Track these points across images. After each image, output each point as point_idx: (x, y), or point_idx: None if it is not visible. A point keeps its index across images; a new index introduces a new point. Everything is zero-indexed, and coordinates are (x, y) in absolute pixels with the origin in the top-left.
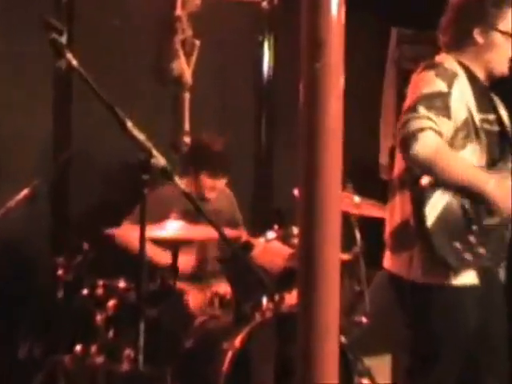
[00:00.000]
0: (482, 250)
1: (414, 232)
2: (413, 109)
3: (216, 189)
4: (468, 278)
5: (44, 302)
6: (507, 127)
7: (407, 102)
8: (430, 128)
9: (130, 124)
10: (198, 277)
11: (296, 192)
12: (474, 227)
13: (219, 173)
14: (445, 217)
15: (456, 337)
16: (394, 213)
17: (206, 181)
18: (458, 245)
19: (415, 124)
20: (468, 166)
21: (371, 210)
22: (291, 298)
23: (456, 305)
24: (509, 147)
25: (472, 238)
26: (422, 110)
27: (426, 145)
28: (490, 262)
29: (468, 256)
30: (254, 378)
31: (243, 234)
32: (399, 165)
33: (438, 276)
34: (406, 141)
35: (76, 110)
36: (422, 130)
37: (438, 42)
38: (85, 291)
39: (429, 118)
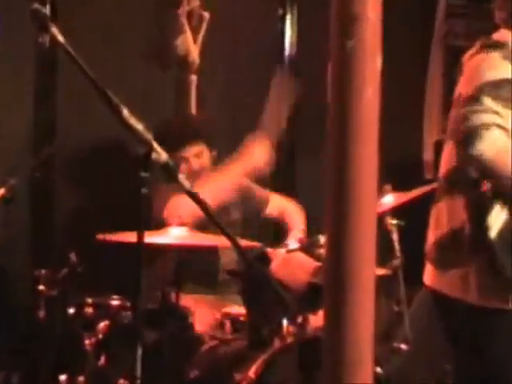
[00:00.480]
0: None
1: (469, 244)
2: (476, 99)
3: (204, 163)
4: None
5: (22, 322)
6: None
7: (466, 89)
8: (498, 125)
9: (126, 112)
10: (207, 287)
11: None
12: None
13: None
14: (507, 230)
15: None
16: (439, 220)
17: (192, 159)
18: None
19: (479, 118)
20: None
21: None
22: (316, 319)
23: None
24: None
25: None
26: (486, 100)
27: (492, 145)
28: None
29: None
30: None
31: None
32: (447, 163)
33: (499, 298)
34: (468, 138)
35: (61, 95)
36: (487, 126)
37: (493, 16)
38: (71, 310)
39: (495, 112)
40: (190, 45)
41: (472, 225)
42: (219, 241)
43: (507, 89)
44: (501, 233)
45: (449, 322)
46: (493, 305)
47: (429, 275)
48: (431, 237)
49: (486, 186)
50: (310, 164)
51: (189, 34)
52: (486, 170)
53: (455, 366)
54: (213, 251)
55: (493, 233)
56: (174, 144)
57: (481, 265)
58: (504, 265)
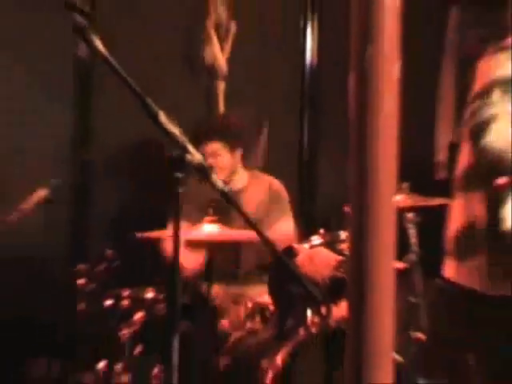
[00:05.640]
0: None
1: (484, 236)
2: (484, 94)
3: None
4: None
5: (63, 314)
6: None
7: (476, 88)
8: (507, 116)
9: (163, 117)
10: (230, 278)
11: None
12: None
13: (232, 143)
14: None
15: None
16: (456, 215)
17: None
18: None
19: (487, 112)
20: None
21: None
22: (339, 311)
23: None
24: None
25: None
26: (495, 95)
27: (501, 135)
28: None
29: None
30: None
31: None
32: (465, 160)
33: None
34: (478, 131)
35: (98, 102)
36: (496, 117)
37: (505, 25)
38: (109, 302)
39: (503, 106)
40: (218, 54)
41: (488, 217)
42: (244, 236)
43: None
44: None
45: (469, 313)
46: (505, 293)
47: (448, 268)
48: (449, 231)
49: (501, 180)
50: (332, 160)
51: (216, 44)
52: (496, 162)
53: (477, 358)
54: (236, 247)
55: (508, 224)
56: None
57: (495, 255)
58: None
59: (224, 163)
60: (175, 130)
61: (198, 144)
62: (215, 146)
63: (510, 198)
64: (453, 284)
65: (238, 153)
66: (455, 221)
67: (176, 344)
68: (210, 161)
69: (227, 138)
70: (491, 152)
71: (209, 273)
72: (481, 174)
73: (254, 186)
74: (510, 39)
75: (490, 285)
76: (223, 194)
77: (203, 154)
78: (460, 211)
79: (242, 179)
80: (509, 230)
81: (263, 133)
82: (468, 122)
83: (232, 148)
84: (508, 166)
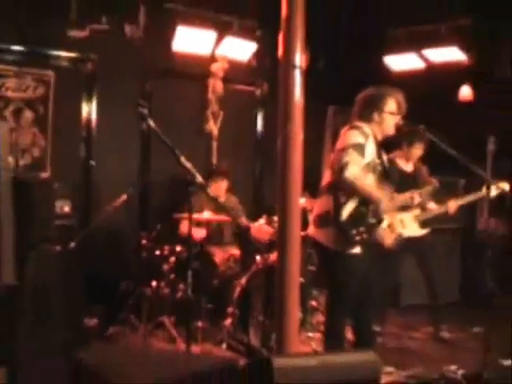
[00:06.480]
0: (365, 236)
1: (332, 219)
2: (346, 151)
3: (223, 189)
4: (356, 249)
5: (134, 258)
6: (386, 166)
7: (339, 146)
8: (354, 162)
9: (183, 158)
10: (220, 242)
11: None
12: (364, 223)
13: (223, 178)
14: (351, 215)
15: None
16: (320, 206)
17: (215, 185)
18: (354, 231)
19: (346, 159)
20: (370, 188)
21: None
22: (273, 257)
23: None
24: (389, 176)
25: (362, 229)
26: (350, 151)
27: (352, 172)
28: (368, 241)
29: (358, 238)
30: (252, 302)
31: (244, 220)
32: (327, 178)
33: (340, 247)
34: (341, 168)
35: (153, 153)
36: (349, 163)
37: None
38: (157, 252)
39: (353, 157)
40: (213, 127)
41: (334, 211)
42: (225, 219)
43: (361, 147)
44: (349, 216)
45: (323, 258)
46: (339, 249)
47: (313, 232)
48: (315, 212)
49: (340, 192)
50: (270, 181)
51: (212, 122)
52: (350, 186)
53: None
54: (221, 225)
55: (343, 216)
56: (208, 177)
57: (338, 229)
58: (348, 231)
59: (224, 190)
60: (189, 165)
61: (210, 178)
62: (221, 180)
63: (346, 203)
64: (317, 241)
65: (229, 184)
66: (319, 209)
67: (190, 273)
68: (215, 189)
69: (226, 176)
70: (347, 181)
71: (208, 239)
72: (334, 187)
73: (229, 200)
74: (356, 122)
75: (336, 244)
76: (214, 199)
77: (212, 184)
78: (323, 204)
79: (227, 198)
80: (344, 218)
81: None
82: (333, 162)
83: (227, 181)
84: (355, 190)
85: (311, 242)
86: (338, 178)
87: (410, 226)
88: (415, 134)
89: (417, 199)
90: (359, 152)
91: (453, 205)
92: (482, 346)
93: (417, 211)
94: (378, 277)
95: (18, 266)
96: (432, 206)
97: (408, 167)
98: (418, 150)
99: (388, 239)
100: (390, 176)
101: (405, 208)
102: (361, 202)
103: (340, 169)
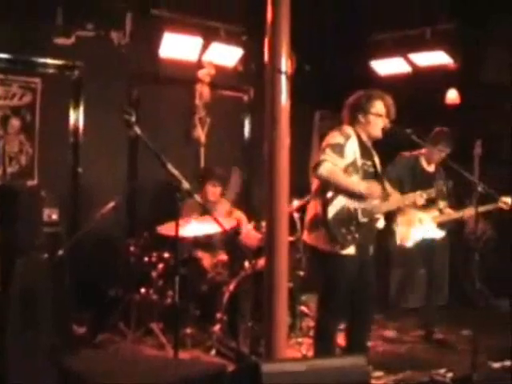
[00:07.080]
0: (356, 235)
1: (321, 221)
2: (323, 150)
3: (216, 194)
4: (349, 250)
5: (123, 265)
6: (378, 168)
7: (322, 146)
8: (329, 160)
9: (169, 165)
10: (208, 248)
11: None
12: (354, 222)
13: (217, 184)
14: (339, 214)
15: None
16: (310, 209)
17: (210, 189)
18: (344, 230)
19: (321, 157)
20: (346, 179)
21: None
22: (261, 262)
23: (340, 266)
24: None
25: (352, 228)
26: (328, 151)
27: (326, 168)
28: (362, 241)
29: (349, 238)
30: (241, 307)
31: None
32: (315, 185)
33: (331, 247)
34: (316, 166)
35: (141, 159)
36: (323, 161)
37: (341, 120)
38: (145, 259)
39: (331, 156)
40: (200, 134)
41: (321, 212)
42: (215, 227)
43: (339, 147)
44: (336, 215)
45: (315, 260)
46: (329, 250)
47: (305, 236)
48: (307, 217)
49: (328, 194)
50: (258, 184)
51: (199, 128)
52: (325, 182)
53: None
54: (213, 234)
55: (330, 216)
56: (202, 181)
57: (327, 230)
58: (336, 230)
59: (218, 194)
60: (176, 172)
61: (202, 182)
62: (215, 184)
63: (331, 203)
64: (309, 244)
65: (221, 188)
66: (309, 214)
67: (177, 279)
68: (210, 193)
69: (220, 180)
70: (321, 176)
71: (197, 244)
72: (322, 190)
73: (222, 205)
74: (344, 126)
75: (327, 245)
76: (201, 204)
77: (207, 189)
78: (312, 207)
79: (220, 202)
80: (330, 217)
81: (232, 177)
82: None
83: (221, 186)
84: (330, 183)
85: (301, 247)
86: (313, 175)
87: (428, 226)
88: (441, 136)
89: (419, 200)
90: (336, 151)
91: (468, 212)
92: (470, 349)
93: (435, 213)
94: (372, 279)
95: (4, 275)
96: (449, 210)
97: (430, 167)
98: (441, 152)
99: (405, 239)
100: (378, 177)
101: (424, 208)
102: (349, 200)
103: (315, 167)
